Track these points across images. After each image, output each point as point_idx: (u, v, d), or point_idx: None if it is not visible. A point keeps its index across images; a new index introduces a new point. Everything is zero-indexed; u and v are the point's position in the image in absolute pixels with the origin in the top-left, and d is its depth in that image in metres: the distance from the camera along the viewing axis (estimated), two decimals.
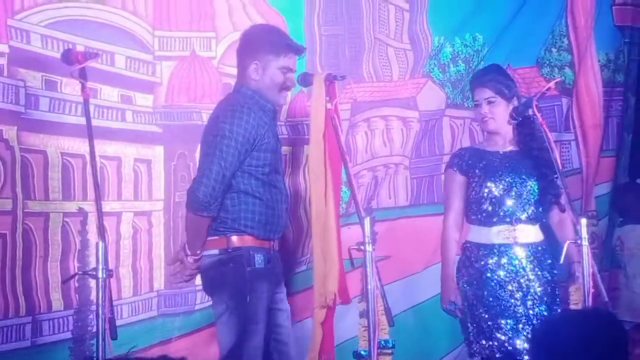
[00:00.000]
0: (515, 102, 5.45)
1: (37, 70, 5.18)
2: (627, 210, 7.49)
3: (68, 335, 5.22)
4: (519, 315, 5.24)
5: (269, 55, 4.90)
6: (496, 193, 5.33)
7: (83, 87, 4.49)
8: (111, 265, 4.40)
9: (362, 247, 4.54)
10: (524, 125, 5.45)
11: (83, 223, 5.29)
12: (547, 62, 7.09)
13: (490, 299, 5.25)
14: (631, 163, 7.65)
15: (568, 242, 5.15)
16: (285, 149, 5.54)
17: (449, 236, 5.37)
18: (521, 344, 5.20)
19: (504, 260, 5.29)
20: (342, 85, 5.62)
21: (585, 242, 5.08)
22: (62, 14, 5.26)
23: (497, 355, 5.20)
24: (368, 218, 4.59)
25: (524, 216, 5.35)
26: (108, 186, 5.40)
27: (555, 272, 5.42)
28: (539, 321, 5.23)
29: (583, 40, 7.11)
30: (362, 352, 4.74)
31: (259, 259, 4.79)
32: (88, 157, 4.75)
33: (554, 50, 7.11)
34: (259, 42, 4.95)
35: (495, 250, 5.31)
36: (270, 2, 5.91)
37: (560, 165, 5.32)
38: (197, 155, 5.17)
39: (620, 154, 7.52)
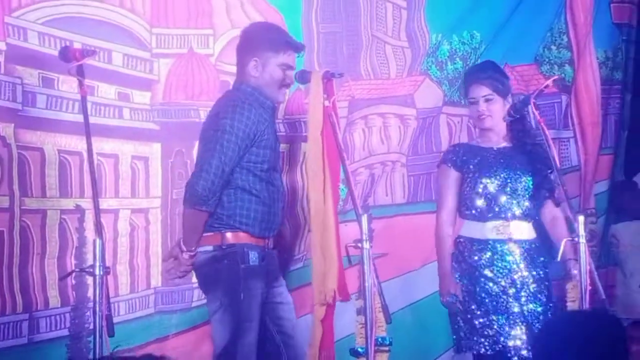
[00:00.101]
0: (509, 99, 5.45)
1: (34, 67, 5.18)
2: (623, 208, 7.49)
3: (65, 332, 5.21)
4: (511, 311, 5.24)
5: (269, 52, 4.90)
6: (491, 189, 5.33)
7: (81, 85, 4.50)
8: (108, 263, 4.41)
9: (359, 245, 4.54)
10: (516, 121, 5.46)
11: (80, 220, 5.29)
12: (547, 60, 7.09)
13: (483, 295, 5.25)
14: (627, 160, 7.65)
15: (565, 239, 5.16)
16: (282, 147, 5.54)
17: (444, 232, 5.36)
18: (514, 340, 5.19)
19: (497, 256, 5.29)
20: (340, 83, 5.62)
21: (582, 240, 5.08)
22: (59, 12, 5.26)
23: (489, 352, 5.20)
24: (365, 215, 4.59)
25: (518, 212, 5.35)
26: (105, 183, 5.40)
27: (547, 270, 5.42)
28: (532, 318, 5.23)
29: (582, 37, 7.11)
30: (359, 349, 4.75)
31: (253, 257, 4.79)
32: (85, 155, 4.76)
33: (553, 47, 7.11)
34: (259, 40, 4.96)
35: (489, 246, 5.31)
36: None
37: (558, 162, 5.33)
38: (195, 152, 5.17)
39: (617, 151, 7.53)
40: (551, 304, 5.34)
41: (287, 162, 5.86)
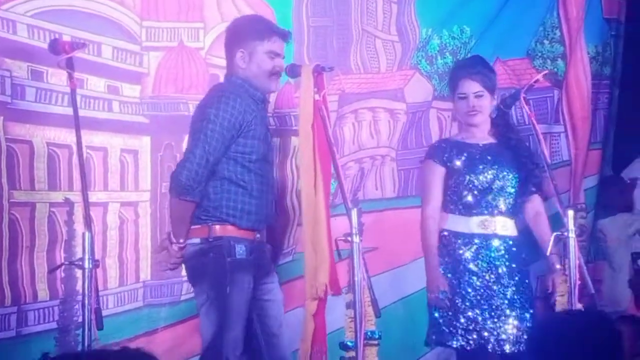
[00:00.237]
0: (495, 96, 5.45)
1: (24, 60, 5.17)
2: (610, 203, 7.51)
3: (53, 325, 5.21)
4: (495, 306, 5.23)
5: (254, 41, 4.91)
6: (478, 185, 5.32)
7: (70, 77, 4.49)
8: (97, 256, 4.41)
9: (349, 239, 4.54)
10: (499, 116, 5.47)
11: (69, 213, 5.28)
12: (540, 54, 7.09)
13: (467, 289, 5.24)
14: (615, 156, 7.67)
15: (554, 234, 5.17)
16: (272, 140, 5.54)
17: (430, 227, 5.32)
18: (496, 335, 5.19)
19: (482, 251, 5.29)
20: (330, 77, 5.61)
21: (572, 234, 5.10)
22: (48, 4, 5.25)
23: (472, 346, 5.19)
24: (355, 209, 4.59)
25: (504, 208, 5.35)
26: (94, 176, 5.39)
27: (528, 267, 5.42)
28: (515, 314, 5.22)
29: (574, 32, 7.11)
30: (349, 343, 4.75)
31: (240, 250, 4.78)
32: (74, 148, 4.75)
33: (546, 42, 7.10)
34: (243, 31, 4.96)
35: (475, 240, 5.30)
36: None
37: (548, 157, 5.33)
38: (184, 145, 5.16)
39: (605, 146, 7.54)
40: (531, 300, 5.33)
41: (277, 156, 5.84)
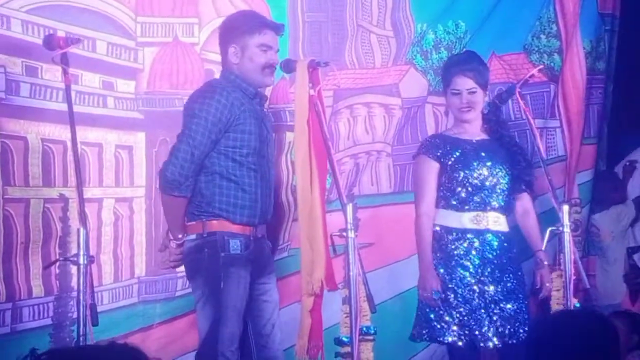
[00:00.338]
0: (488, 91, 5.45)
1: (18, 56, 5.17)
2: (604, 198, 7.52)
3: (48, 321, 5.21)
4: (486, 302, 5.22)
5: (245, 35, 4.90)
6: (471, 181, 5.31)
7: (65, 73, 4.48)
8: (92, 252, 4.41)
9: (344, 234, 4.53)
10: (490, 112, 5.48)
11: (64, 209, 5.27)
12: (536, 49, 7.08)
13: (459, 285, 5.23)
14: (608, 151, 7.68)
15: (550, 229, 5.18)
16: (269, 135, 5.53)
17: (424, 224, 5.30)
18: (487, 331, 5.19)
19: (475, 246, 5.28)
20: (325, 72, 5.60)
21: (567, 229, 5.10)
22: (43, 0, 5.23)
23: (463, 341, 5.19)
24: (350, 205, 4.58)
25: (496, 204, 5.34)
26: (89, 172, 5.39)
27: (519, 263, 5.42)
28: (506, 309, 5.22)
29: (570, 27, 7.11)
30: (344, 338, 4.75)
31: (234, 245, 4.77)
32: (69, 144, 4.75)
33: (542, 36, 7.10)
34: (235, 26, 4.96)
35: (468, 235, 5.29)
36: None
37: (543, 152, 5.33)
38: None
39: (599, 141, 7.55)
40: (523, 295, 5.32)
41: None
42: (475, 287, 5.24)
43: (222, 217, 4.80)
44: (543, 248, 5.33)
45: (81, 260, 4.21)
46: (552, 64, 7.08)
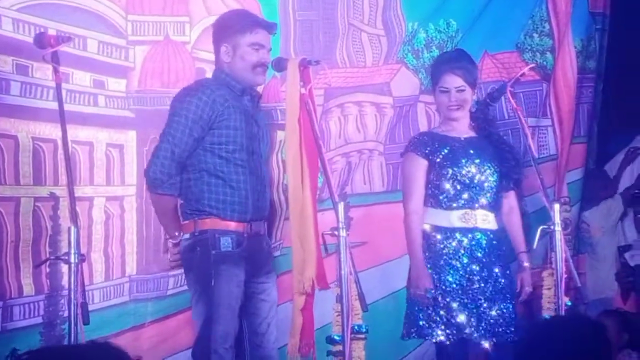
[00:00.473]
0: (476, 89, 5.45)
1: (8, 54, 5.15)
2: (594, 197, 7.54)
3: (39, 320, 5.20)
4: (475, 301, 5.21)
5: (237, 35, 4.90)
6: (460, 178, 5.30)
7: (55, 71, 4.46)
8: (83, 251, 4.38)
9: (335, 233, 4.53)
10: (479, 110, 5.48)
11: (55, 208, 5.26)
12: (529, 47, 7.10)
13: (447, 284, 5.23)
14: (598, 149, 7.70)
15: (541, 227, 5.18)
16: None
17: (413, 222, 5.28)
18: (476, 330, 5.18)
19: (463, 244, 5.27)
20: (316, 71, 5.60)
21: (558, 228, 5.11)
22: None
23: (451, 340, 5.19)
24: (342, 203, 4.58)
25: (485, 202, 5.33)
26: (80, 171, 5.38)
27: (508, 261, 5.42)
28: (494, 309, 5.22)
29: (563, 25, 7.13)
30: (336, 337, 4.74)
31: (225, 242, 4.77)
32: (60, 142, 4.74)
33: (535, 35, 7.11)
34: (227, 25, 4.96)
35: (456, 234, 5.28)
36: None
37: (534, 150, 5.33)
38: None
39: (589, 140, 7.57)
40: (512, 295, 5.32)
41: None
42: (463, 286, 5.23)
43: (213, 215, 4.80)
44: (535, 246, 5.34)
45: (72, 259, 4.20)
46: (544, 63, 7.09)
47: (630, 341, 6.66)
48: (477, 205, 5.32)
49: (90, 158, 5.45)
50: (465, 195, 5.31)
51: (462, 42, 6.55)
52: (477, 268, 5.26)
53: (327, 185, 4.79)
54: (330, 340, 4.80)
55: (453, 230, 5.29)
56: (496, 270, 5.29)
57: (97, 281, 5.41)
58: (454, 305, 5.20)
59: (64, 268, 4.55)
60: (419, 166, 5.35)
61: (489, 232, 5.33)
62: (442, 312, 5.20)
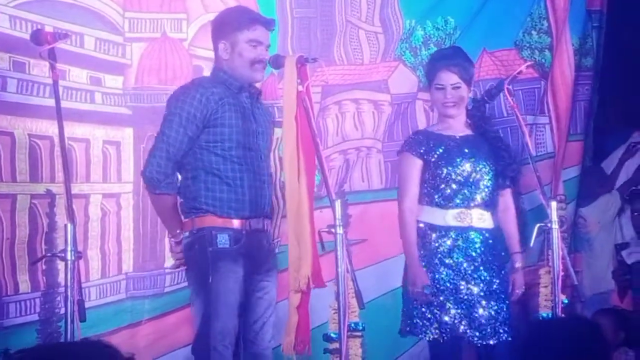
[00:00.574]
0: (472, 87, 5.44)
1: (5, 51, 5.16)
2: (591, 194, 7.54)
3: (35, 317, 5.20)
4: (469, 299, 5.21)
5: (235, 32, 4.88)
6: (455, 177, 5.30)
7: (52, 68, 4.45)
8: (79, 248, 4.37)
9: (332, 230, 4.52)
10: (475, 108, 5.47)
11: (51, 205, 5.26)
12: (528, 45, 7.09)
13: (441, 282, 5.22)
14: (595, 147, 7.70)
15: (538, 225, 5.17)
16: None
17: (408, 220, 5.28)
18: (469, 329, 5.18)
19: (458, 243, 5.26)
20: (314, 68, 5.59)
21: (555, 226, 5.11)
22: None
23: (444, 339, 5.19)
24: (339, 201, 4.57)
25: (480, 200, 5.32)
26: (76, 168, 5.38)
27: (504, 260, 5.41)
28: (488, 307, 5.21)
29: (561, 23, 7.12)
30: (332, 334, 4.74)
31: (222, 239, 4.76)
32: (56, 139, 4.73)
33: (534, 32, 7.10)
34: (225, 22, 4.95)
35: (451, 233, 5.28)
36: None
37: (531, 148, 5.33)
38: None
39: (586, 138, 7.57)
40: (506, 293, 5.32)
41: None
42: (457, 285, 5.22)
43: (210, 212, 4.80)
44: (531, 244, 5.33)
45: (69, 256, 4.19)
46: (543, 60, 7.09)
47: (626, 339, 6.67)
48: (472, 204, 5.31)
49: (87, 155, 5.45)
50: (460, 194, 5.30)
51: (461, 39, 6.55)
52: (472, 267, 5.25)
53: (324, 182, 4.78)
54: (327, 338, 4.79)
55: (448, 229, 5.28)
56: (491, 269, 5.28)
57: (93, 278, 5.41)
58: (448, 304, 5.19)
59: (60, 265, 4.56)
60: (414, 165, 5.34)
61: (484, 231, 5.32)
62: (435, 311, 5.19)
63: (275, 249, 5.60)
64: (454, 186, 5.29)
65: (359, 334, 4.87)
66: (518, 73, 5.56)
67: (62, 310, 4.34)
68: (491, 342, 5.19)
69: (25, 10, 5.18)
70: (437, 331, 5.19)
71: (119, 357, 2.69)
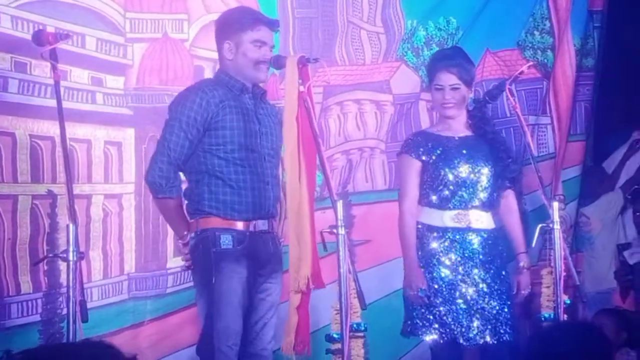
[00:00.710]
0: (472, 89, 5.44)
1: (7, 51, 5.15)
2: (592, 194, 7.54)
3: (37, 318, 5.19)
4: (467, 300, 5.21)
5: (239, 32, 4.87)
6: (452, 179, 5.29)
7: (54, 69, 4.44)
8: (81, 248, 4.36)
9: (334, 231, 4.52)
10: (476, 108, 5.46)
11: (52, 206, 5.26)
12: (530, 45, 7.09)
13: (440, 283, 5.22)
14: (595, 147, 7.70)
15: (540, 225, 5.17)
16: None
17: (407, 222, 5.28)
18: (469, 330, 5.17)
19: (456, 244, 5.27)
20: (315, 68, 5.59)
21: (557, 226, 5.11)
22: None
23: (444, 339, 5.18)
24: (341, 201, 4.57)
25: (478, 202, 5.32)
26: (78, 169, 5.37)
27: (505, 260, 5.41)
28: (488, 308, 5.21)
29: (563, 23, 7.12)
30: (335, 335, 4.74)
31: (225, 240, 4.76)
32: (58, 140, 4.73)
33: (536, 33, 7.11)
34: (229, 22, 4.93)
35: (449, 234, 5.27)
36: None
37: (533, 149, 5.32)
38: None
39: (587, 138, 7.57)
40: (507, 294, 5.31)
41: None
42: (456, 286, 5.22)
43: (212, 214, 4.79)
44: (533, 244, 5.33)
45: (71, 257, 4.18)
46: (545, 61, 7.09)
47: (628, 340, 6.65)
48: (470, 205, 5.30)
49: (89, 156, 5.44)
50: (458, 196, 5.30)
51: (463, 39, 6.55)
52: (470, 268, 5.24)
53: (326, 183, 4.78)
54: (329, 338, 4.80)
55: (446, 230, 5.28)
56: (491, 270, 5.28)
57: (95, 279, 5.41)
58: (447, 304, 5.19)
59: (62, 266, 4.55)
60: (412, 167, 5.34)
61: (482, 233, 5.31)
62: (435, 311, 5.19)
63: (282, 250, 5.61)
64: (451, 187, 5.29)
65: (361, 334, 4.87)
66: (519, 73, 5.55)
67: (64, 311, 4.34)
68: (492, 342, 5.19)
69: (26, 11, 5.18)
70: (436, 332, 5.18)
71: (121, 358, 2.68)
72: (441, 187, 5.29)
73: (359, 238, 6.06)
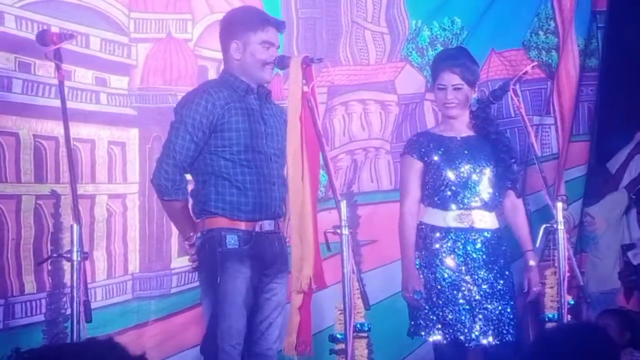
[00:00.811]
0: (476, 89, 5.43)
1: (11, 51, 5.15)
2: (596, 194, 7.53)
3: (41, 318, 5.20)
4: (470, 301, 5.20)
5: (248, 32, 4.86)
6: (455, 179, 5.28)
7: (58, 69, 4.45)
8: (85, 248, 4.37)
9: (338, 231, 4.51)
10: (479, 109, 5.45)
11: (56, 206, 5.27)
12: (535, 45, 7.08)
13: (443, 283, 5.21)
14: (599, 147, 7.69)
15: (544, 226, 5.16)
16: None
17: (407, 223, 5.28)
18: (472, 330, 5.17)
19: (459, 245, 5.26)
20: (319, 69, 5.59)
21: (560, 226, 5.10)
22: None
23: (447, 340, 5.18)
24: (344, 201, 4.56)
25: (481, 202, 5.31)
26: (82, 169, 5.38)
27: (509, 260, 5.40)
28: (491, 308, 5.20)
29: (567, 23, 7.12)
30: (338, 335, 4.74)
31: (231, 240, 4.76)
32: (61, 140, 4.74)
33: (541, 33, 7.10)
34: (236, 22, 4.92)
35: (451, 234, 5.27)
36: None
37: (537, 149, 5.31)
38: None
39: (592, 138, 7.56)
40: (510, 294, 5.31)
41: None
42: (459, 287, 5.22)
43: (218, 215, 4.80)
44: (537, 245, 5.32)
45: (75, 257, 4.18)
46: (550, 61, 7.08)
47: (632, 340, 6.65)
48: (473, 205, 5.30)
49: (92, 156, 5.45)
50: (460, 196, 5.29)
51: (468, 39, 6.54)
52: (474, 268, 5.24)
53: (330, 183, 4.78)
54: (332, 339, 4.80)
55: (448, 230, 5.28)
56: (494, 270, 5.27)
57: (99, 279, 5.41)
58: (450, 305, 5.19)
59: (66, 266, 4.55)
60: (414, 168, 5.34)
61: (485, 232, 5.31)
62: (438, 312, 5.19)
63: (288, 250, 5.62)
64: (453, 188, 5.28)
65: (364, 334, 4.87)
66: (523, 74, 5.55)
67: (68, 311, 4.35)
68: (495, 342, 5.18)
69: (31, 11, 5.18)
70: (440, 332, 5.18)
71: (127, 357, 2.67)
72: (443, 188, 5.29)
73: (365, 238, 6.05)
